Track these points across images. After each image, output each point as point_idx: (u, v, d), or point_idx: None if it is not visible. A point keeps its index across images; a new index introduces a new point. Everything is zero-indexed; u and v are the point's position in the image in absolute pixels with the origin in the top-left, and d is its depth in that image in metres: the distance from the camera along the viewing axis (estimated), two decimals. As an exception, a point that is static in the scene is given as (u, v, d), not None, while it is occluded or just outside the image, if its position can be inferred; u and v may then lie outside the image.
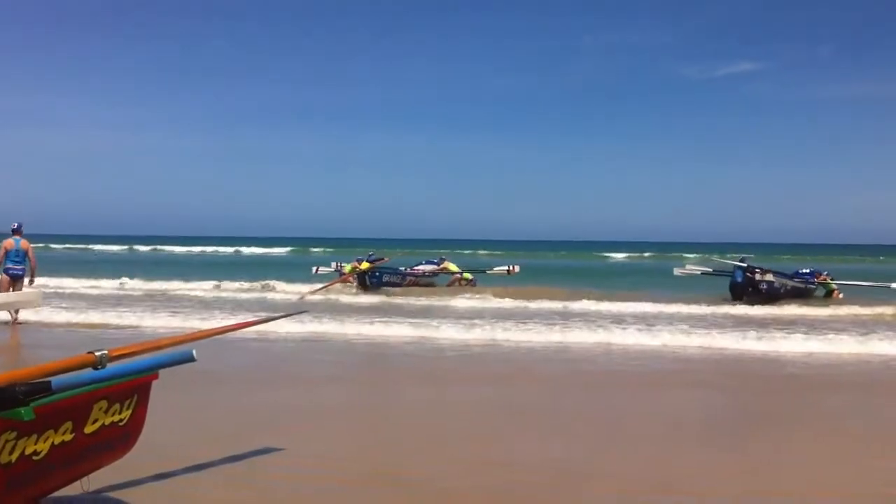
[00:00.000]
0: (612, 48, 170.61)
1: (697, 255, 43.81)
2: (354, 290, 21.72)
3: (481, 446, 5.73)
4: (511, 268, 25.54)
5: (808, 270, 22.15)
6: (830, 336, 12.39)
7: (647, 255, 61.22)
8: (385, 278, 22.35)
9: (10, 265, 13.51)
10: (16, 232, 13.63)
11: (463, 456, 5.43)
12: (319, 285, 21.75)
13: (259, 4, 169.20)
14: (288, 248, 68.02)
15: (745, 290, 18.75)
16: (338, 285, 22.30)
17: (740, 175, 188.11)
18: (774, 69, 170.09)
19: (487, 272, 25.80)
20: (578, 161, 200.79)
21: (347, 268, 23.39)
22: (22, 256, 13.58)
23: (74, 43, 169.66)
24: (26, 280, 13.55)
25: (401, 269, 23.77)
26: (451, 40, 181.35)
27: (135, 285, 23.48)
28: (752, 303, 18.01)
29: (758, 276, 18.62)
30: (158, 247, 69.86)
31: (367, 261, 22.78)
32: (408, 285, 22.73)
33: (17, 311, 12.68)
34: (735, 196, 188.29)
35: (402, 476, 4.96)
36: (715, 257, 24.63)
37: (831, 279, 21.75)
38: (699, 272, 22.03)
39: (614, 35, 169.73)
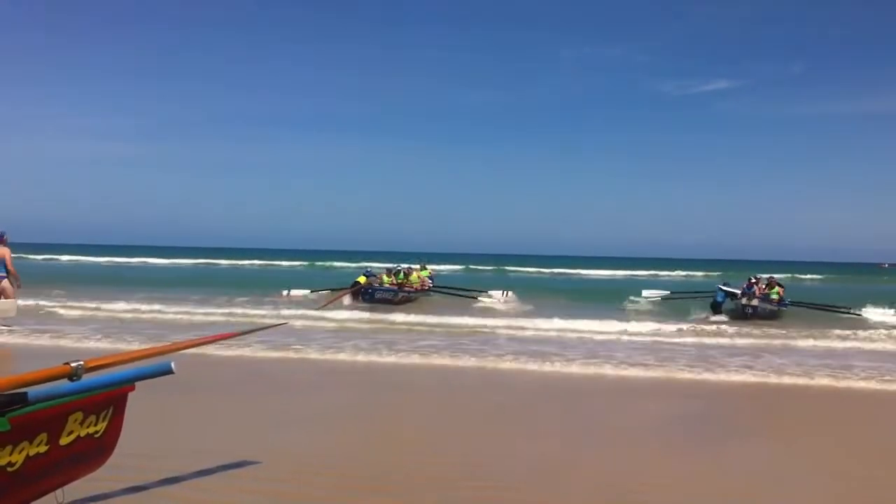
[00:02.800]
0: (590, 63, 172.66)
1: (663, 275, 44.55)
2: (348, 303, 22.45)
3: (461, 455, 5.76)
4: (504, 294, 24.90)
5: (765, 276, 23.43)
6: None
7: (619, 274, 61.53)
8: (378, 295, 22.84)
9: None
10: None
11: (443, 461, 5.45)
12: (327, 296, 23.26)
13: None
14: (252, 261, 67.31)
15: (720, 308, 21.14)
16: (345, 298, 22.82)
17: (715, 191, 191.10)
18: (749, 87, 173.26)
19: (479, 298, 24.53)
20: (554, 175, 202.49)
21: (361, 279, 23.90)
22: (2, 265, 14.04)
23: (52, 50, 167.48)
24: (4, 284, 14.05)
25: (394, 286, 24.00)
26: (425, 53, 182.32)
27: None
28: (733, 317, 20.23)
29: (744, 301, 20.58)
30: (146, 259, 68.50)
31: (364, 275, 23.89)
32: (399, 301, 22.98)
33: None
34: (710, 212, 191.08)
35: (379, 491, 4.95)
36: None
37: (780, 285, 22.91)
38: (659, 297, 24.20)
39: (591, 50, 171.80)
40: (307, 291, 25.14)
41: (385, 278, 24.20)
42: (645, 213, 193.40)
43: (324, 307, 20.38)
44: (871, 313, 21.67)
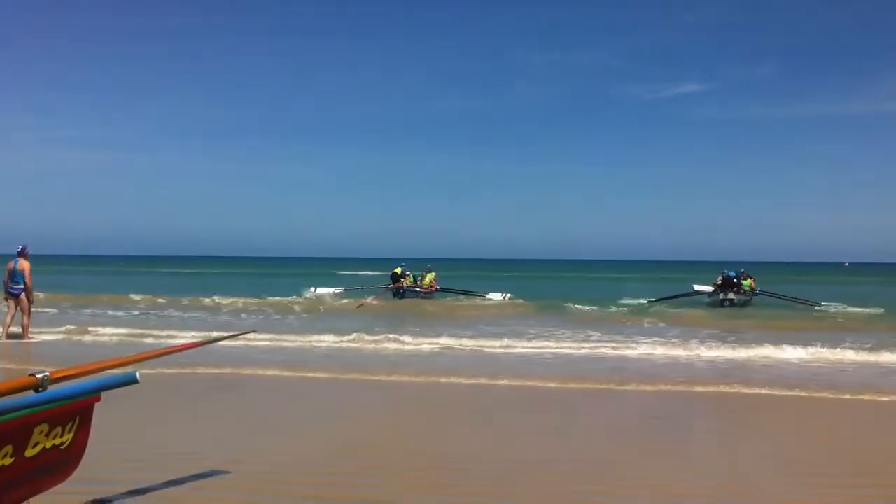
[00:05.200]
0: (562, 69, 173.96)
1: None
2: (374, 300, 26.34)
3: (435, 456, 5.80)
4: (505, 296, 28.45)
5: (733, 273, 25.81)
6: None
7: (592, 276, 62.10)
8: (408, 295, 27.44)
9: (11, 285, 14.48)
10: (20, 254, 14.58)
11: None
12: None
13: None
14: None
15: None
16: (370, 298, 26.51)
17: (684, 193, 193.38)
18: (718, 90, 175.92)
19: (486, 297, 28.25)
20: (526, 180, 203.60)
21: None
22: (20, 277, 14.41)
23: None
24: (21, 297, 14.41)
25: (418, 288, 28.23)
26: (399, 61, 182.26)
27: None
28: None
29: (721, 296, 24.90)
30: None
31: (400, 267, 28.15)
32: (422, 297, 27.40)
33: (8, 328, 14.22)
34: (679, 213, 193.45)
35: (348, 499, 4.97)
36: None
37: (751, 276, 26.21)
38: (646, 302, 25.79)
39: (563, 56, 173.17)
40: (332, 290, 29.68)
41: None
42: (615, 215, 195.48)
43: (360, 307, 24.05)
44: (829, 306, 24.80)
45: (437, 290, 28.53)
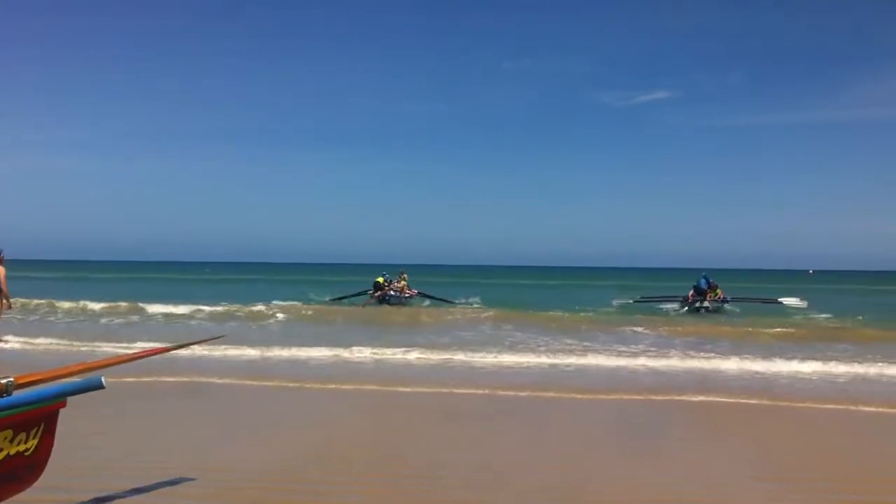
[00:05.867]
0: (531, 75, 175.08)
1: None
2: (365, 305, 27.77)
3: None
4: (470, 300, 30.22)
5: (704, 282, 27.34)
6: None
7: (551, 282, 62.48)
8: (393, 300, 28.35)
9: None
10: None
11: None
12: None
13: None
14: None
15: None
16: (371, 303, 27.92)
17: (653, 200, 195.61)
18: (687, 98, 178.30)
19: (457, 303, 29.16)
20: (494, 187, 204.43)
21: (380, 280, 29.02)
22: None
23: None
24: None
25: (392, 291, 29.04)
26: (367, 65, 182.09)
27: None
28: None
29: (698, 304, 26.75)
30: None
31: (381, 276, 29.01)
32: (400, 303, 28.54)
33: None
34: (648, 221, 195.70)
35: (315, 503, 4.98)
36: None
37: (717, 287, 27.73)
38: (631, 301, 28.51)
39: (532, 62, 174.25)
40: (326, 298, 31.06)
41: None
42: (583, 222, 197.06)
43: (366, 304, 27.43)
44: (787, 301, 28.48)
45: (415, 294, 30.02)
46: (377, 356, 13.62)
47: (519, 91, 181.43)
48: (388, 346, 14.48)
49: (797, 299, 28.75)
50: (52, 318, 21.45)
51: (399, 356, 13.59)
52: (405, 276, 30.03)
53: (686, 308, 26.79)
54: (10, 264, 15.21)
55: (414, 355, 13.65)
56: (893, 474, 6.03)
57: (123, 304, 24.59)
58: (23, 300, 20.37)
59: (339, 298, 30.79)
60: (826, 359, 13.21)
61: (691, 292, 27.26)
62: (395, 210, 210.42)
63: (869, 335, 18.09)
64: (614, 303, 29.87)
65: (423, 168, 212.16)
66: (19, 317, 19.13)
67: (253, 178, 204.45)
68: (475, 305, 28.61)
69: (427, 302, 29.42)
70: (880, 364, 12.57)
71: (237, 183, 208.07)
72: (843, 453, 6.70)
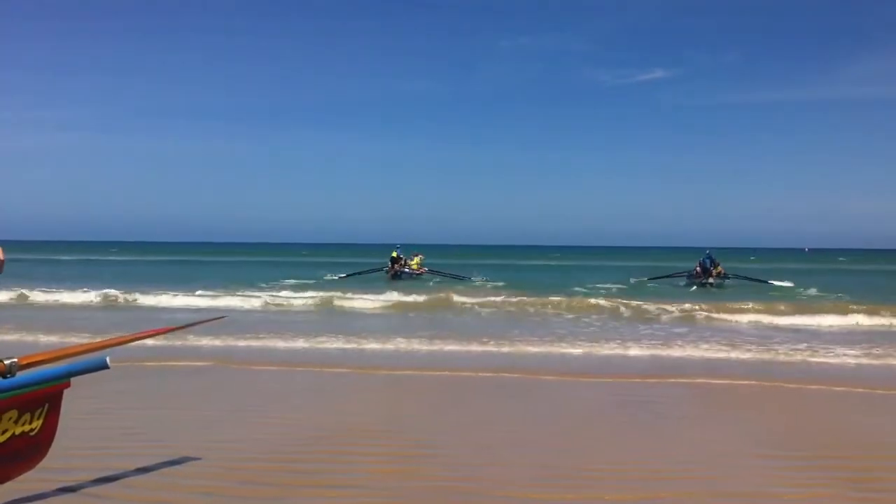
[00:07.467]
0: (528, 53, 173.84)
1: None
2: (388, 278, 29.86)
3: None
4: (483, 279, 31.54)
5: (708, 259, 30.41)
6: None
7: (552, 263, 62.43)
8: (403, 277, 30.38)
9: None
10: None
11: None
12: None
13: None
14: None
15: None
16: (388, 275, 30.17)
17: (651, 179, 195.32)
18: (684, 76, 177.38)
19: (473, 280, 30.81)
20: (489, 165, 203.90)
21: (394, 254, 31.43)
22: None
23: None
24: None
25: (407, 269, 31.32)
26: (363, 42, 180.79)
27: None
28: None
29: (703, 280, 29.93)
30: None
31: (395, 251, 31.28)
32: (414, 278, 30.54)
33: None
34: (647, 199, 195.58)
35: (319, 484, 5.00)
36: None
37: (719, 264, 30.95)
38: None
39: (529, 40, 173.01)
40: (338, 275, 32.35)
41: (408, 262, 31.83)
42: (581, 201, 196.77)
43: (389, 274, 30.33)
44: (782, 283, 31.12)
45: (426, 272, 31.70)
46: (390, 346, 13.11)
47: (514, 69, 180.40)
48: (406, 335, 13.87)
49: (786, 282, 31.83)
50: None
51: (416, 346, 12.76)
52: (420, 256, 32.51)
53: (694, 286, 29.53)
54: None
55: (436, 345, 12.84)
56: (882, 446, 6.18)
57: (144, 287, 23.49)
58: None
59: (353, 274, 32.26)
60: (820, 343, 13.31)
61: (697, 268, 30.43)
62: (391, 189, 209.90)
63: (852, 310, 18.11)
64: (632, 280, 32.43)
65: (417, 146, 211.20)
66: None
67: (252, 157, 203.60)
68: (489, 285, 28.26)
69: (437, 278, 30.77)
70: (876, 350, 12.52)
71: (237, 163, 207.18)
72: (836, 429, 6.78)
